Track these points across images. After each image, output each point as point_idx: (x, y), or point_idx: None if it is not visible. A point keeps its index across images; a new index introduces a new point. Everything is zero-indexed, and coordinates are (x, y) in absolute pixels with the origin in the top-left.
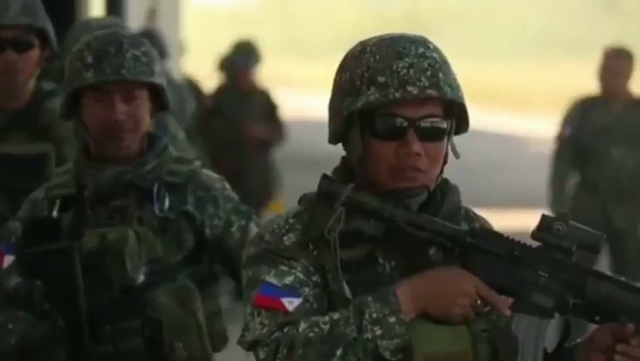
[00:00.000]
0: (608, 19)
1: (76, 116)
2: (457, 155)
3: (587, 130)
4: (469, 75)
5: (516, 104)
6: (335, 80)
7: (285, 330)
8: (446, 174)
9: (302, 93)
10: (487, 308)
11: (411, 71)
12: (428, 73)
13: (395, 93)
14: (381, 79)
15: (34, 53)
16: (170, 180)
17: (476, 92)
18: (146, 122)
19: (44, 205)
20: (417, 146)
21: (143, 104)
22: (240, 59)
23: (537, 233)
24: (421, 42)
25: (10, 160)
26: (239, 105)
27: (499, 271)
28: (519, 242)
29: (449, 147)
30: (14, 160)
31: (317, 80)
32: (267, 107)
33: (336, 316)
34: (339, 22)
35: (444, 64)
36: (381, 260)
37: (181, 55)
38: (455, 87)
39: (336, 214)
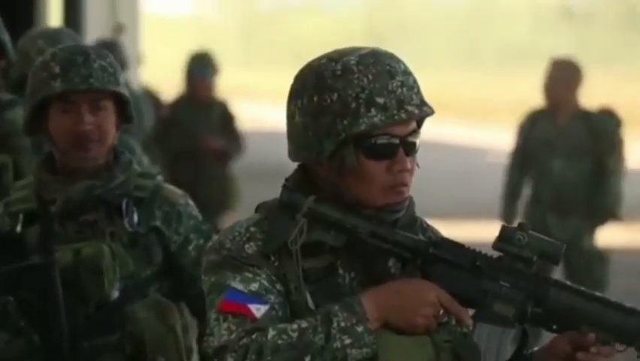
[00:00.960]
0: (567, 29)
1: (40, 128)
2: (417, 165)
3: (533, 142)
4: (427, 86)
5: (473, 115)
6: (311, 100)
7: (254, 336)
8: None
9: (260, 104)
10: (445, 318)
11: (404, 89)
12: (415, 90)
13: (400, 114)
14: (379, 100)
15: None
16: (137, 195)
17: (434, 103)
18: (112, 134)
19: (5, 220)
20: (408, 163)
21: (110, 115)
22: (198, 70)
23: (498, 243)
24: (396, 57)
25: None
26: (196, 116)
27: (461, 281)
28: (480, 252)
29: None
30: None
31: (275, 90)
32: (224, 118)
33: (304, 324)
34: (297, 32)
35: (416, 78)
36: (341, 271)
37: (139, 65)
38: None
39: (298, 226)
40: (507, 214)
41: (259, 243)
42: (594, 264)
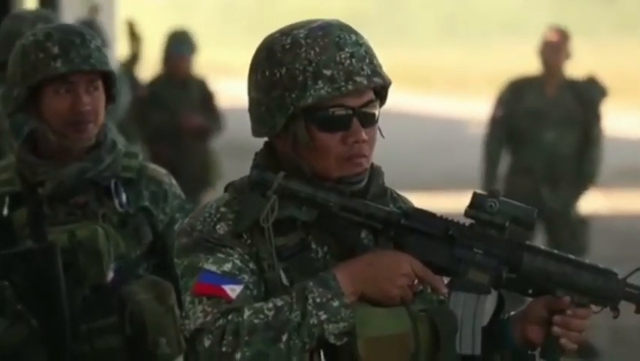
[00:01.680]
0: (548, 1)
1: (30, 109)
2: (382, 135)
3: (520, 112)
4: (406, 59)
5: (453, 87)
6: (264, 75)
7: (230, 317)
8: (384, 158)
9: (238, 81)
10: (420, 288)
11: (353, 60)
12: (367, 60)
13: (347, 86)
14: (327, 72)
15: None
16: (124, 176)
17: (413, 75)
18: (103, 114)
19: None
20: (363, 134)
21: (101, 95)
22: (176, 48)
23: (470, 211)
24: (349, 29)
25: None
26: (175, 94)
27: (435, 251)
28: (452, 221)
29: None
30: None
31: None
32: (203, 96)
33: (279, 302)
34: (273, 8)
35: (371, 48)
36: (314, 246)
37: (115, 44)
38: (382, 68)
39: (270, 203)
40: (488, 184)
41: (230, 223)
42: (578, 231)
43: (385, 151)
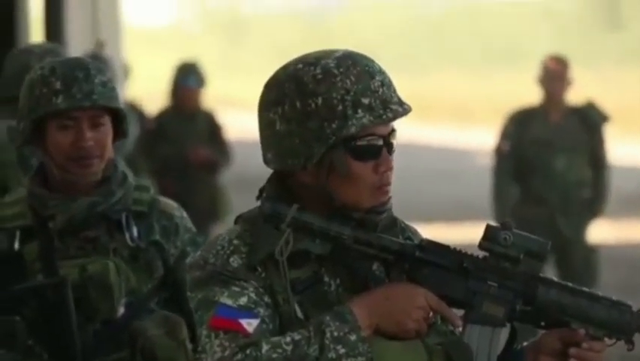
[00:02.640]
0: (547, 28)
1: (36, 143)
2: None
3: (527, 143)
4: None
5: (458, 116)
6: (296, 106)
7: (248, 352)
8: (392, 188)
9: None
10: (433, 320)
11: (384, 88)
12: (392, 88)
13: (387, 114)
14: (365, 100)
15: None
16: (136, 209)
17: (420, 105)
18: (110, 149)
19: (1, 237)
20: (391, 162)
21: (108, 131)
22: (183, 80)
23: (484, 243)
24: (368, 57)
25: None
26: (183, 127)
27: (449, 283)
28: (466, 253)
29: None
30: None
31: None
32: (211, 128)
33: (297, 336)
34: (280, 39)
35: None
36: (326, 279)
37: (126, 79)
38: None
39: (284, 236)
40: (499, 216)
41: (243, 255)
42: (590, 259)
43: (393, 181)
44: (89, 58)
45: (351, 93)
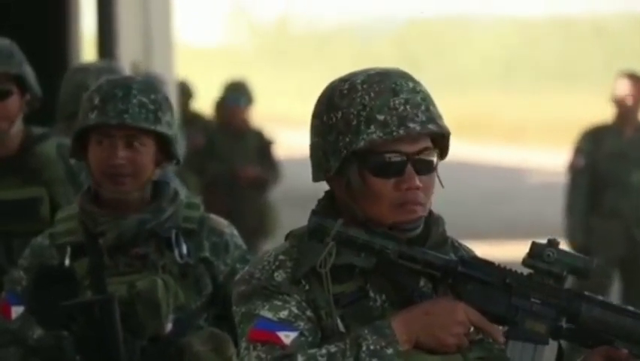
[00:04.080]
0: (597, 46)
1: (82, 157)
2: (441, 185)
3: (602, 158)
4: (464, 108)
5: (511, 135)
6: (322, 120)
7: None
8: (444, 207)
9: (295, 131)
10: (480, 336)
11: (407, 107)
12: (422, 107)
13: (399, 131)
14: (380, 117)
15: (14, 100)
16: (186, 227)
17: (472, 124)
18: (149, 170)
19: (52, 253)
20: (417, 181)
21: (146, 152)
22: (232, 99)
23: (528, 260)
24: (408, 76)
25: (3, 206)
26: (231, 145)
27: (492, 299)
28: (510, 270)
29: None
30: (7, 206)
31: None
32: (260, 146)
33: (332, 348)
34: (329, 58)
35: (430, 97)
36: (372, 294)
37: (190, 97)
38: (442, 119)
39: (327, 248)
40: (573, 233)
41: (288, 270)
42: None
43: (445, 200)
44: (141, 77)
45: (367, 109)
